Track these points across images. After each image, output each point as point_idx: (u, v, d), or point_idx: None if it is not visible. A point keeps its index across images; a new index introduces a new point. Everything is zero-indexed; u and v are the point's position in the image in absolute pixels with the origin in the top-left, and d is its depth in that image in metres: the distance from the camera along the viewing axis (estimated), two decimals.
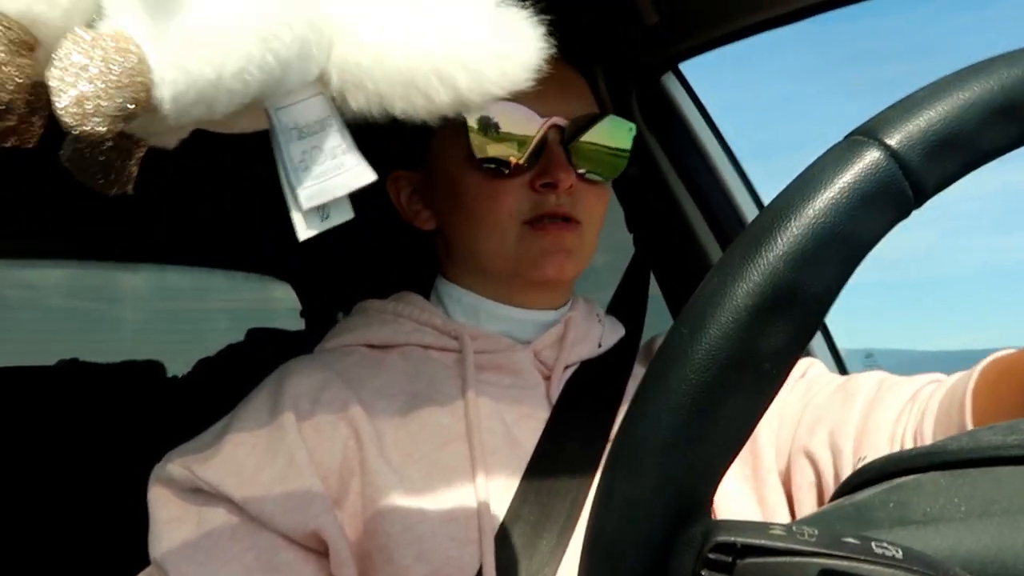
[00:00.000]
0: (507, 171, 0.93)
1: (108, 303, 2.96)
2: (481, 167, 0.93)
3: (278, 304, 2.72)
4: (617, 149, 0.98)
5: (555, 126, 0.94)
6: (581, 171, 0.95)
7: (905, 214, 0.40)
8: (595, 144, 0.96)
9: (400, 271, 1.08)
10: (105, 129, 0.37)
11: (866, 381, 0.94)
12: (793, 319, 0.39)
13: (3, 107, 0.36)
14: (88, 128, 0.36)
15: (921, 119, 0.40)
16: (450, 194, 0.97)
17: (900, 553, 0.36)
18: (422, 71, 0.43)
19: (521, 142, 0.92)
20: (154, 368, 2.09)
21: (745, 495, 0.93)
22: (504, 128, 0.92)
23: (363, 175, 0.45)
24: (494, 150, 0.92)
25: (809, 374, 1.03)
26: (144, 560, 0.80)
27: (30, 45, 0.36)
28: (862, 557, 0.36)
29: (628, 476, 0.39)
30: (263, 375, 0.92)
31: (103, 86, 0.36)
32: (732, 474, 0.93)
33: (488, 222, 0.94)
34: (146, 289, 2.98)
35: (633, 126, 1.01)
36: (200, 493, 0.80)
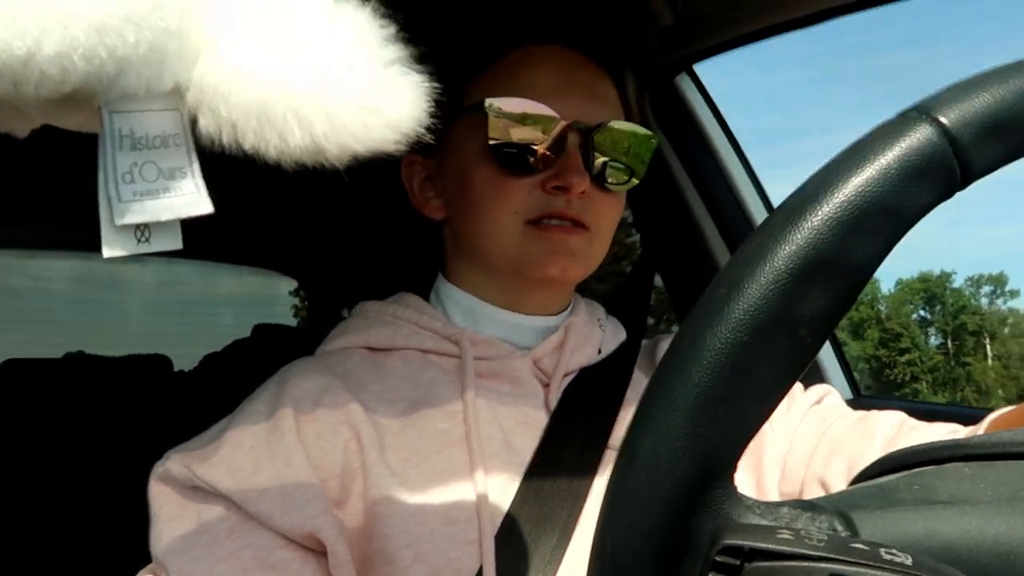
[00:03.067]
0: (520, 168, 0.91)
1: (115, 296, 2.97)
2: (495, 161, 0.91)
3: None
4: (637, 160, 0.96)
5: (575, 129, 0.92)
6: (596, 177, 0.93)
7: (950, 193, 0.40)
8: (614, 152, 0.94)
9: (405, 269, 1.07)
10: None
11: (886, 420, 0.93)
12: (833, 286, 0.38)
13: None
14: None
15: (976, 101, 0.40)
16: (460, 185, 0.95)
17: (909, 560, 0.35)
18: (279, 108, 0.41)
19: (539, 142, 0.91)
20: (161, 362, 2.09)
21: None
22: (523, 126, 0.90)
23: (198, 205, 0.43)
24: (511, 148, 0.91)
25: (825, 402, 1.02)
26: (146, 553, 0.80)
27: None
28: (871, 563, 0.35)
29: (655, 432, 0.38)
30: (269, 371, 0.91)
31: None
32: (737, 485, 0.93)
33: (492, 218, 0.93)
34: (153, 283, 2.98)
35: (656, 136, 0.98)
36: (199, 491, 0.80)
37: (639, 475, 0.38)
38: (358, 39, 0.43)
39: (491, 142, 0.90)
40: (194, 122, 0.43)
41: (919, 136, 0.39)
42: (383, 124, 0.42)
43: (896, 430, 0.91)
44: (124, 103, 0.41)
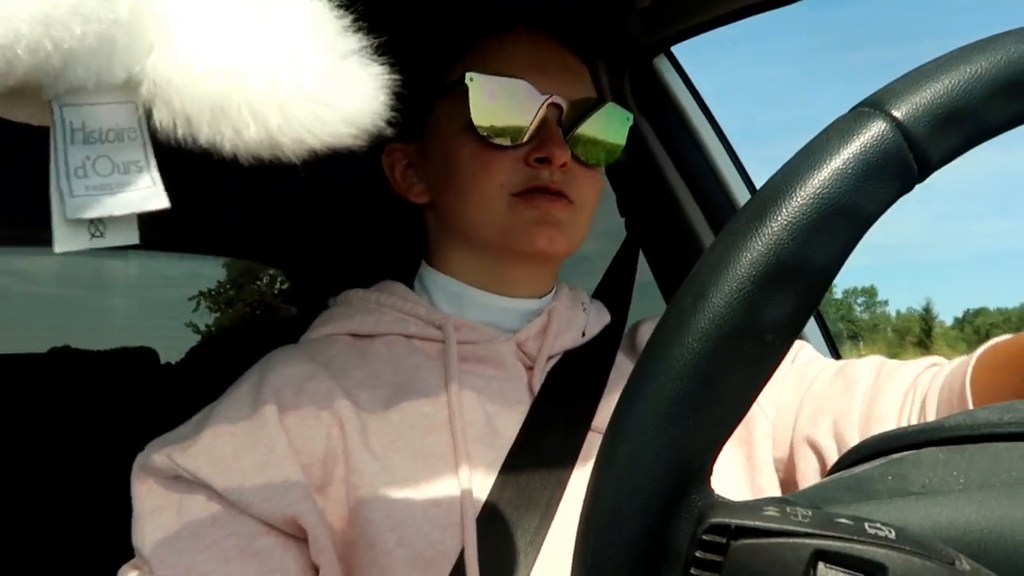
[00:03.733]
0: (503, 143, 0.93)
1: (100, 290, 2.95)
2: (478, 138, 0.93)
3: None
4: (613, 136, 0.99)
5: (554, 104, 0.94)
6: (576, 152, 0.95)
7: (909, 187, 0.40)
8: (592, 128, 0.97)
9: (388, 258, 1.07)
10: None
11: (864, 368, 0.94)
12: (796, 290, 0.39)
13: None
14: None
15: (927, 91, 0.40)
16: (444, 165, 0.97)
17: (893, 533, 0.36)
18: (233, 101, 0.40)
19: (521, 116, 0.93)
20: (147, 355, 2.08)
21: (738, 482, 0.94)
22: (505, 101, 0.93)
23: (154, 200, 0.42)
24: (494, 123, 0.93)
25: (799, 359, 1.03)
26: (132, 547, 0.80)
27: None
28: (855, 537, 0.36)
29: (630, 441, 0.39)
30: (255, 362, 0.91)
31: None
32: (727, 461, 0.94)
33: (478, 193, 0.94)
34: (138, 276, 2.96)
35: (630, 115, 1.01)
36: (181, 481, 0.80)
37: (616, 484, 0.39)
38: (313, 30, 0.42)
39: (473, 117, 0.92)
40: (149, 115, 0.42)
41: (872, 133, 0.39)
42: (338, 118, 0.42)
43: (876, 375, 0.92)
44: (74, 96, 0.40)
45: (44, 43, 0.37)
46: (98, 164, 0.41)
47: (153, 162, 0.42)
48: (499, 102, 0.93)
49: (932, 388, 0.85)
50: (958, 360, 0.84)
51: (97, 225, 0.41)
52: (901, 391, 0.88)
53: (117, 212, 0.41)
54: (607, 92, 1.03)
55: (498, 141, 0.93)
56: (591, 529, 0.40)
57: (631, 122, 1.01)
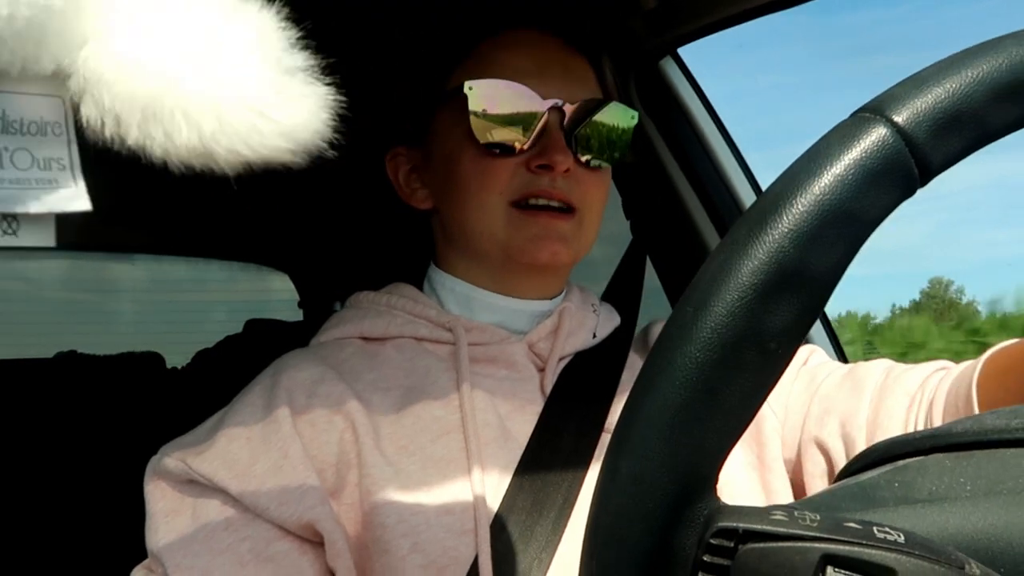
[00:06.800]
0: (505, 151, 0.92)
1: (106, 295, 2.95)
2: (478, 145, 0.92)
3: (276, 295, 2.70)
4: (618, 136, 0.97)
5: (556, 109, 0.93)
6: (580, 156, 0.94)
7: (911, 192, 0.40)
8: (596, 130, 0.95)
9: (397, 260, 1.07)
10: None
11: (873, 370, 0.94)
12: (799, 298, 0.38)
13: None
14: None
15: (928, 96, 0.40)
16: (446, 172, 0.96)
17: (902, 537, 0.36)
18: (166, 103, 0.38)
19: (521, 123, 0.92)
20: (153, 360, 2.08)
21: (750, 482, 0.93)
22: (505, 108, 0.92)
23: (75, 201, 0.39)
24: (494, 130, 0.92)
25: (811, 361, 1.03)
26: (143, 551, 0.80)
27: None
28: (864, 542, 0.36)
29: (634, 453, 0.38)
30: (262, 366, 0.91)
31: None
32: (738, 461, 0.93)
33: (478, 202, 0.94)
34: (144, 280, 2.97)
35: (636, 113, 1.00)
36: (195, 485, 0.81)
37: (621, 495, 0.39)
38: (257, 41, 0.41)
39: (473, 126, 0.92)
40: (77, 112, 0.39)
41: (873, 138, 0.39)
42: (276, 131, 0.40)
43: (885, 377, 0.92)
44: None
45: None
46: (16, 156, 0.38)
47: (77, 161, 0.40)
48: (499, 109, 0.92)
49: (939, 391, 0.84)
50: (965, 364, 0.84)
51: (10, 222, 0.39)
52: (908, 394, 0.88)
53: (35, 210, 0.38)
54: (613, 92, 1.01)
55: (499, 149, 0.92)
56: (596, 542, 0.40)
57: (636, 120, 1.00)
